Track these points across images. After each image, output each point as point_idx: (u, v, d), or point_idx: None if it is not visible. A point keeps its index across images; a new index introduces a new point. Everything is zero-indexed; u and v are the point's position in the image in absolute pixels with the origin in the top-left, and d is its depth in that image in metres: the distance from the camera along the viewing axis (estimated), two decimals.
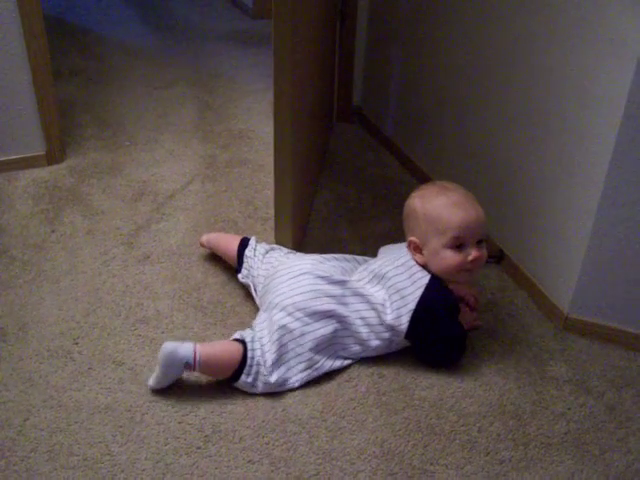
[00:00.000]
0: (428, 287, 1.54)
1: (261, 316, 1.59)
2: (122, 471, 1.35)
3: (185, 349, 1.46)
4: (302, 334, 1.53)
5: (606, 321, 1.69)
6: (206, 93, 2.96)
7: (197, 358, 1.46)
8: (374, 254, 1.90)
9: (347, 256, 1.74)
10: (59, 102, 2.34)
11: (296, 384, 1.53)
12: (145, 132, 2.60)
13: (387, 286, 1.57)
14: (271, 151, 1.76)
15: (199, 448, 1.40)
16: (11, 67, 2.16)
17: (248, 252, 1.77)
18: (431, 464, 1.39)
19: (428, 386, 1.55)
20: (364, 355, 1.60)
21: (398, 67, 2.40)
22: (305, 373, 1.54)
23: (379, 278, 1.59)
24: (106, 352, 1.62)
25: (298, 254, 1.78)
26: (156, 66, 3.22)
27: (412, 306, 1.54)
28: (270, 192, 2.23)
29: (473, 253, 1.52)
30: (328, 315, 1.55)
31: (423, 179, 2.29)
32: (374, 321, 1.56)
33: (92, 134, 2.56)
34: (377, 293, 1.58)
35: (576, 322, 1.71)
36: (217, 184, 2.30)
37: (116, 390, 1.52)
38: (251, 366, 1.49)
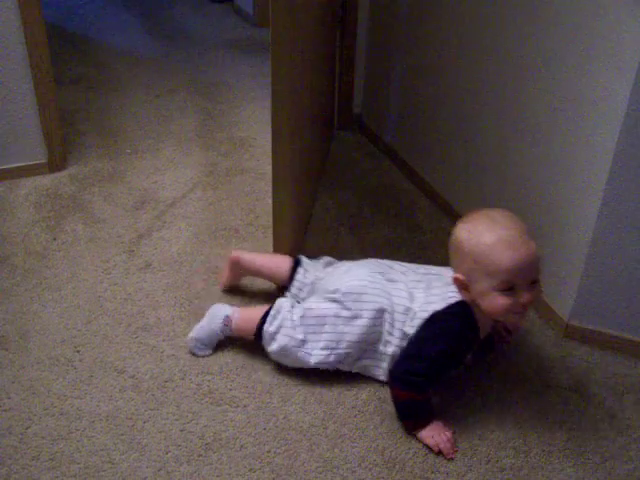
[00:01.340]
0: (451, 306, 1.47)
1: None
2: (123, 479, 1.35)
3: (227, 308, 1.65)
4: (339, 319, 1.55)
5: (606, 328, 1.69)
6: (207, 101, 2.96)
7: (235, 314, 1.63)
8: None
9: (404, 264, 1.69)
10: (60, 110, 2.35)
11: (311, 360, 1.55)
12: (146, 140, 2.61)
13: (423, 295, 1.53)
14: None
15: (200, 456, 1.41)
16: (13, 75, 2.17)
17: (301, 271, 1.73)
18: (432, 472, 1.39)
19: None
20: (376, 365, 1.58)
21: (398, 75, 2.41)
22: (325, 352, 1.55)
23: (423, 284, 1.56)
24: (107, 360, 1.62)
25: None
26: (157, 74, 3.23)
27: (426, 315, 1.49)
28: (271, 200, 2.23)
29: (525, 296, 1.38)
30: (373, 309, 1.54)
31: (423, 187, 2.30)
32: (399, 325, 1.53)
33: (93, 142, 2.57)
34: (417, 300, 1.53)
35: (576, 330, 1.72)
36: (218, 192, 2.30)
37: (117, 398, 1.53)
38: (275, 316, 1.57)
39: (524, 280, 1.38)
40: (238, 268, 1.81)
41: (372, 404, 1.53)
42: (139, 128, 2.70)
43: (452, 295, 1.48)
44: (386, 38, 2.45)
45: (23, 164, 2.30)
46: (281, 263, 1.78)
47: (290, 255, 1.81)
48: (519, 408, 1.54)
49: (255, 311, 1.62)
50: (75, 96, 2.93)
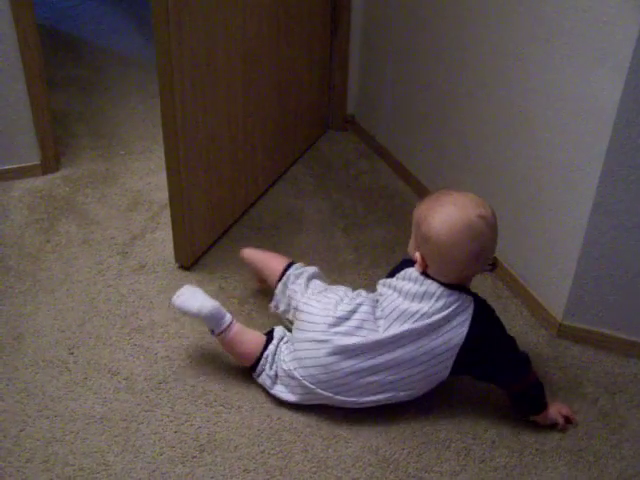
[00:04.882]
0: (475, 308, 1.46)
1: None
2: None
3: (223, 320, 1.57)
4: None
5: (599, 327, 1.70)
6: None
7: (225, 332, 1.56)
8: (368, 262, 1.91)
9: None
10: (54, 112, 2.34)
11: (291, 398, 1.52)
12: (140, 141, 2.61)
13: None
14: None
15: (195, 457, 1.41)
16: (6, 77, 2.16)
17: (284, 283, 1.66)
18: (426, 472, 1.40)
19: (422, 394, 1.55)
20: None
21: (393, 75, 2.41)
22: (303, 397, 1.51)
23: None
24: (101, 362, 1.62)
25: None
26: (150, 75, 3.22)
27: (458, 341, 1.43)
28: (265, 201, 2.24)
29: None
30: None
31: (417, 187, 2.30)
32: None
33: (87, 144, 2.56)
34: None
35: (570, 329, 1.72)
36: None
37: (112, 400, 1.53)
38: (274, 355, 1.53)
39: None
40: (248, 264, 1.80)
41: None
42: (133, 129, 2.69)
43: (461, 308, 1.45)
44: (380, 38, 2.45)
45: (16, 166, 2.29)
46: (277, 265, 1.72)
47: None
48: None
49: (249, 340, 1.58)
50: (69, 98, 2.92)
